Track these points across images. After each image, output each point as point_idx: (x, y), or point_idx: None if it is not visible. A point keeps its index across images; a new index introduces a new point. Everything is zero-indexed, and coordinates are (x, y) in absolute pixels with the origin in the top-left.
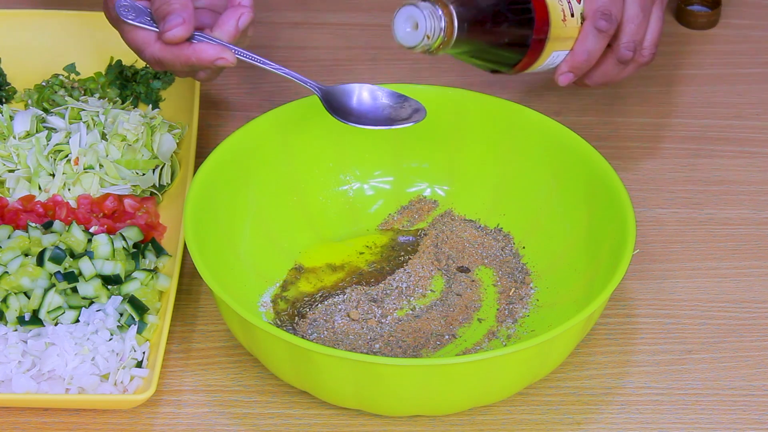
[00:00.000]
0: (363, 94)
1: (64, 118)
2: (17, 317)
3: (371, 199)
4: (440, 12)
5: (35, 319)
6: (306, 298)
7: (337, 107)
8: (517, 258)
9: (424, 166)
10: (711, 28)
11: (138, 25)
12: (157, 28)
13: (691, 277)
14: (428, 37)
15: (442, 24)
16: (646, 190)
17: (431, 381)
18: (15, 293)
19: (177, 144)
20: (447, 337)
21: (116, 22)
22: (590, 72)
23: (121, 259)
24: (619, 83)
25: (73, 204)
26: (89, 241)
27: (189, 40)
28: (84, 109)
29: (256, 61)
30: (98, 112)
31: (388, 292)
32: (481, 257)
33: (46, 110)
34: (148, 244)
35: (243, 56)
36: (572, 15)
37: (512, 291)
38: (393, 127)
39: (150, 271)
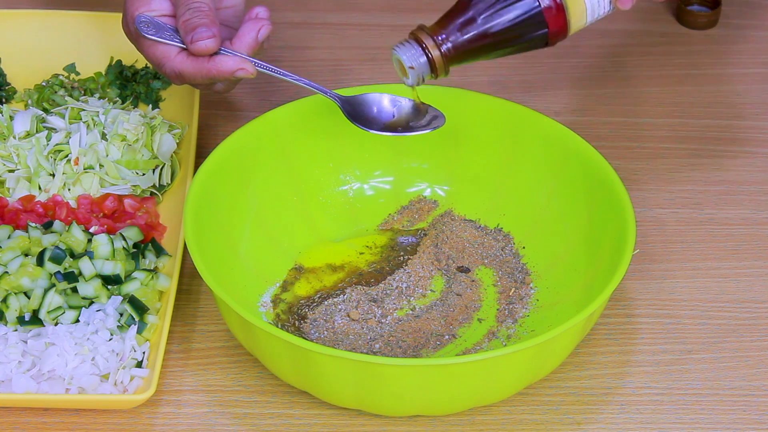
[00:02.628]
0: (382, 103)
1: (64, 118)
2: (17, 317)
3: (371, 199)
4: (418, 46)
5: (35, 319)
6: (302, 301)
7: (357, 116)
8: (517, 258)
9: (424, 166)
10: (711, 28)
11: (159, 40)
12: (178, 42)
13: (691, 277)
14: (412, 68)
15: (426, 54)
16: (646, 190)
17: (431, 381)
18: (15, 293)
19: (177, 144)
20: (447, 337)
21: (136, 36)
22: None
23: (121, 259)
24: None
25: (73, 204)
26: (89, 241)
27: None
28: (84, 109)
29: (275, 72)
30: (98, 112)
31: (388, 292)
32: (481, 257)
33: (46, 110)
34: (148, 244)
35: (262, 67)
36: None
37: (512, 291)
38: (412, 134)
39: (150, 271)
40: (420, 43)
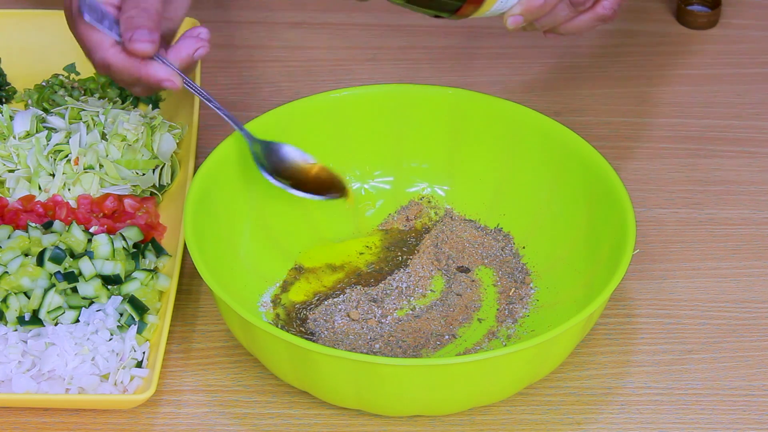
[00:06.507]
0: (292, 156)
1: (64, 118)
2: (17, 317)
3: (371, 199)
4: None
5: (35, 319)
6: (297, 306)
7: (265, 161)
8: (517, 258)
9: (424, 166)
10: (711, 28)
11: (98, 27)
12: (114, 34)
13: (691, 277)
14: None
15: None
16: (646, 190)
17: (431, 381)
18: (15, 293)
19: (177, 144)
20: (447, 337)
21: (74, 15)
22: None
23: (121, 259)
24: (579, 36)
25: (73, 204)
26: (89, 241)
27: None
28: (84, 109)
29: (199, 94)
30: (98, 112)
31: (388, 292)
32: (481, 257)
33: (46, 110)
34: (148, 244)
35: (189, 86)
36: None
37: (512, 291)
38: (308, 197)
39: (150, 271)
40: None
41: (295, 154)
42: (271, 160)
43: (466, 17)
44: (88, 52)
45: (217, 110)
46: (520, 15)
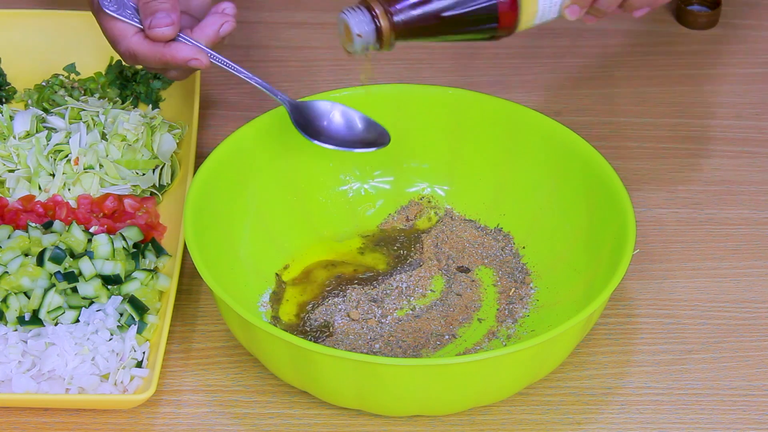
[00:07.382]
0: (332, 114)
1: (64, 118)
2: (17, 317)
3: (371, 199)
4: (368, 13)
5: (35, 319)
6: (301, 304)
7: (305, 123)
8: (517, 258)
9: (424, 166)
10: (711, 28)
11: (118, 18)
12: (136, 22)
13: (691, 277)
14: (360, 36)
15: (375, 22)
16: (646, 190)
17: (431, 381)
18: (15, 293)
19: (177, 144)
20: (447, 337)
21: (97, 11)
22: None
23: (121, 259)
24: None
25: (73, 204)
26: (89, 241)
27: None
28: (84, 109)
29: (230, 68)
30: (98, 112)
31: (388, 292)
32: (481, 257)
33: (46, 110)
34: (148, 244)
35: (218, 61)
36: None
37: (512, 291)
38: (356, 150)
39: (150, 271)
40: (370, 10)
41: (328, 108)
42: (313, 124)
43: (515, 32)
44: (114, 44)
45: (251, 80)
46: (574, 4)
